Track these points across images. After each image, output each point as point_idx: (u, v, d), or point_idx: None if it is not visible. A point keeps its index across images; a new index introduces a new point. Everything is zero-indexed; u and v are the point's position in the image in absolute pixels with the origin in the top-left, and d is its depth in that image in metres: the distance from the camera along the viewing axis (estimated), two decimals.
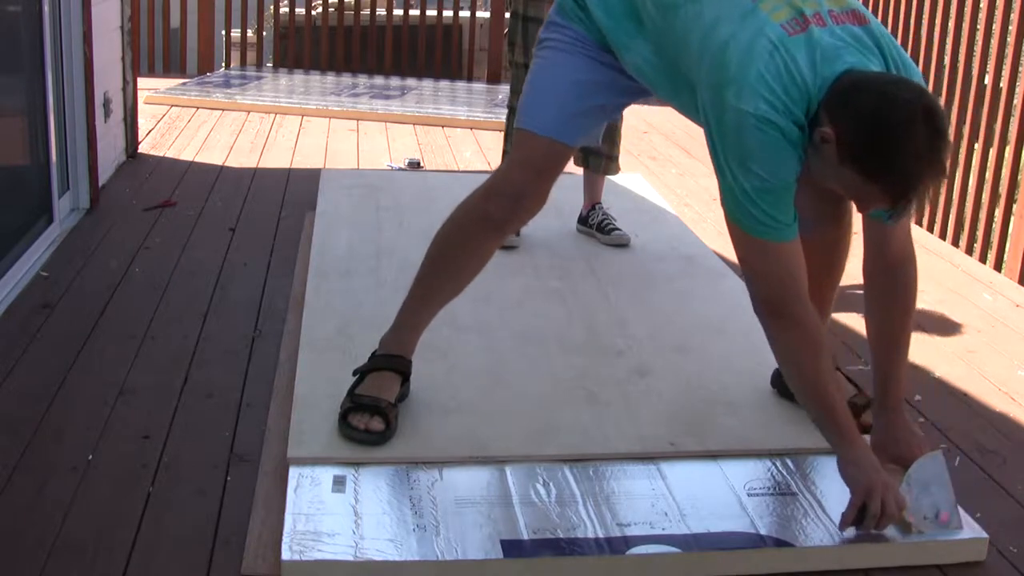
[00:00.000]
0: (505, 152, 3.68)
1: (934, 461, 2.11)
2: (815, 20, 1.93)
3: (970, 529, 2.07)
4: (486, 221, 2.32)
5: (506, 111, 3.74)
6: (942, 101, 4.30)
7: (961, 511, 2.11)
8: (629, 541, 1.99)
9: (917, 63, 4.49)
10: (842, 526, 2.03)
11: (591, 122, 2.33)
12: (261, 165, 4.98)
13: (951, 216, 4.15)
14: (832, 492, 2.17)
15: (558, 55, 2.27)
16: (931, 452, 2.14)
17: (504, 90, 6.52)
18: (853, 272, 3.73)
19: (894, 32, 4.69)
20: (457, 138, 5.77)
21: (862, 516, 2.00)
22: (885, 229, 2.14)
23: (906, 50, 4.54)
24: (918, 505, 2.06)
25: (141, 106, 5.45)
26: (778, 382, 2.56)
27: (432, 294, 2.41)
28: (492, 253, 2.39)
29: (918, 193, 1.86)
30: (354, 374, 2.39)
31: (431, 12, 7.96)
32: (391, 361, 2.40)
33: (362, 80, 7.47)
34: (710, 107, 1.97)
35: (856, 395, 2.42)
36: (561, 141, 2.26)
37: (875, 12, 4.86)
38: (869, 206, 1.96)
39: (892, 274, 2.18)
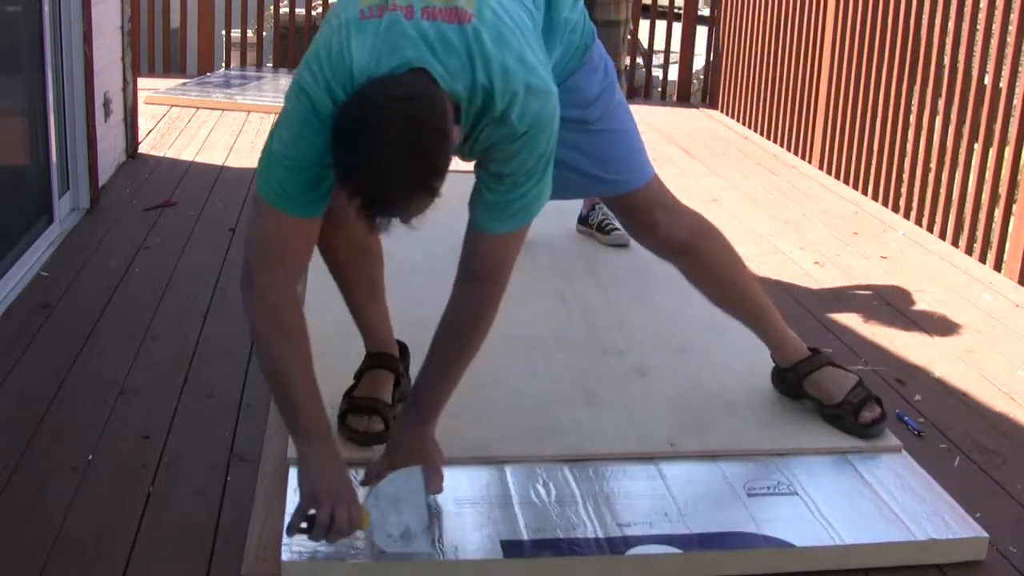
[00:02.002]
0: None
1: (410, 478, 2.02)
2: (403, 11, 1.81)
3: (970, 529, 2.07)
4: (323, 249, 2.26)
5: None
6: (942, 101, 4.30)
7: (952, 506, 2.11)
8: (629, 541, 1.99)
9: (917, 63, 4.50)
10: (288, 532, 1.87)
11: None
12: None
13: (951, 216, 4.15)
14: (832, 492, 2.18)
15: None
16: (409, 468, 2.02)
17: None
18: (852, 273, 3.75)
19: (894, 32, 4.69)
20: None
21: (312, 524, 1.84)
22: (472, 237, 2.00)
23: (906, 50, 4.57)
24: (383, 521, 1.96)
25: (141, 106, 5.45)
26: (777, 380, 2.56)
27: (355, 299, 2.40)
28: (362, 244, 2.30)
29: (365, 201, 1.71)
30: (354, 378, 2.39)
31: None
32: (380, 360, 2.40)
33: None
34: None
35: (854, 389, 2.42)
36: None
37: (876, 12, 4.86)
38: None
39: (466, 287, 2.03)
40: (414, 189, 1.72)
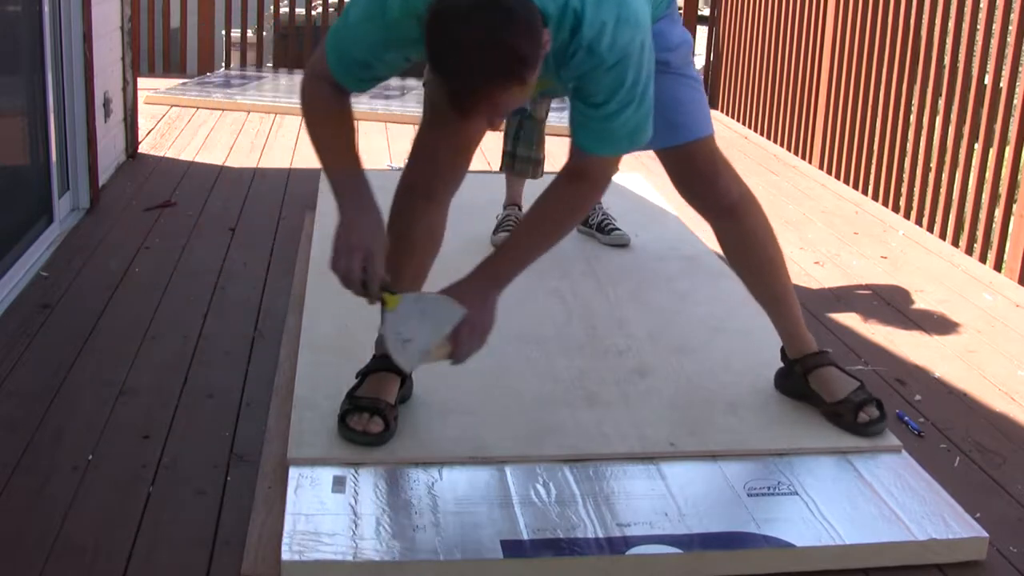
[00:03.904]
0: (504, 152, 3.68)
1: (450, 309, 2.06)
2: None
3: (970, 529, 2.07)
4: (410, 191, 2.35)
5: None
6: (942, 101, 4.30)
7: (952, 506, 2.11)
8: (629, 541, 1.99)
9: (917, 63, 4.50)
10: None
11: None
12: (261, 165, 4.98)
13: (951, 216, 4.15)
14: (832, 492, 2.18)
15: None
16: (458, 306, 2.07)
17: None
18: (852, 273, 3.75)
19: (894, 32, 4.69)
20: None
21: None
22: (578, 154, 2.10)
23: (906, 50, 4.57)
24: (399, 319, 2.05)
25: (141, 106, 5.45)
26: (782, 379, 2.56)
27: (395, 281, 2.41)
28: (436, 225, 2.37)
29: (453, 87, 1.78)
30: (356, 376, 2.39)
31: None
32: (386, 362, 2.39)
33: None
34: None
35: (856, 390, 2.42)
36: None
37: (876, 12, 4.87)
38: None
39: (568, 182, 2.13)
40: (502, 74, 1.77)
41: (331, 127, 2.11)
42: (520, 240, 2.21)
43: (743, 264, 2.53)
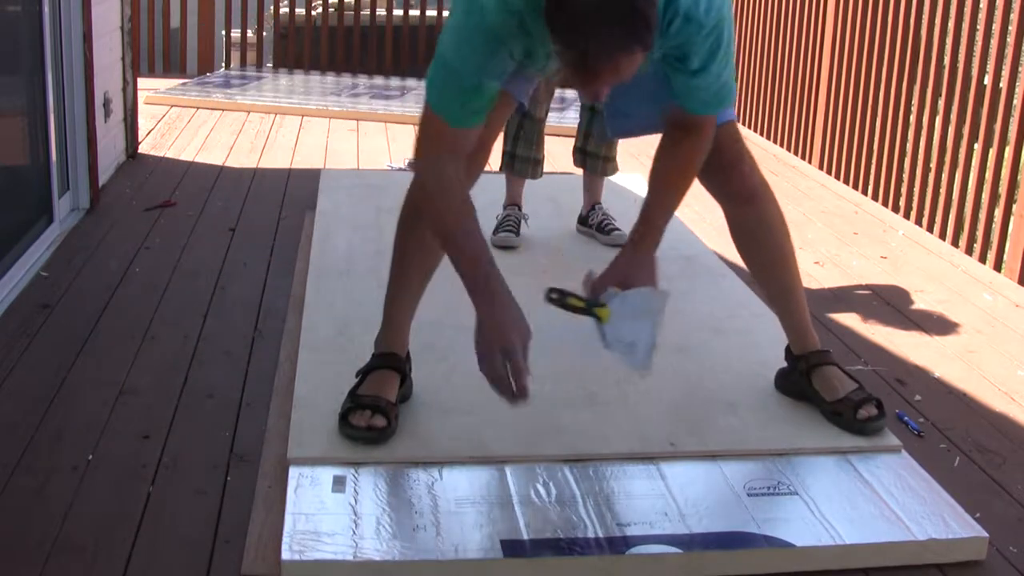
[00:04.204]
0: (504, 152, 3.68)
1: (655, 297, 2.11)
2: None
3: (970, 529, 2.07)
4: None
5: None
6: (942, 101, 4.30)
7: (952, 506, 2.11)
8: (629, 541, 1.99)
9: (917, 63, 4.50)
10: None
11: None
12: (261, 165, 4.98)
13: (951, 216, 4.15)
14: (832, 492, 2.18)
15: None
16: (657, 289, 2.13)
17: None
18: (852, 273, 3.74)
19: (894, 32, 4.69)
20: None
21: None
22: (682, 114, 2.20)
23: (906, 50, 4.57)
24: (618, 327, 2.11)
25: (141, 106, 5.45)
26: (783, 380, 2.56)
27: (403, 284, 2.41)
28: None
29: (583, 56, 1.76)
30: (357, 375, 2.40)
31: (431, 12, 7.96)
32: (386, 360, 2.40)
33: (362, 80, 7.47)
34: None
35: (855, 390, 2.42)
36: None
37: (875, 12, 4.87)
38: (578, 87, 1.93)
39: (683, 134, 2.23)
40: (632, 40, 1.77)
41: (454, 213, 2.08)
42: (659, 200, 2.27)
43: (755, 253, 2.53)
